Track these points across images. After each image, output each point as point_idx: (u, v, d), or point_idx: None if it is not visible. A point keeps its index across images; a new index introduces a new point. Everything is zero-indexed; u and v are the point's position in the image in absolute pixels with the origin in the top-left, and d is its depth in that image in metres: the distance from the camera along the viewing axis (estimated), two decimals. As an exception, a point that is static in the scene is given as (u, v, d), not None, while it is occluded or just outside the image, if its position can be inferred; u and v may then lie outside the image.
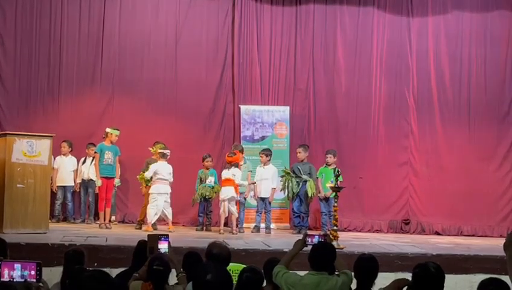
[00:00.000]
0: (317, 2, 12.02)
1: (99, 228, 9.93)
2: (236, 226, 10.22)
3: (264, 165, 10.71)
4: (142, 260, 4.58)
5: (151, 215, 9.88)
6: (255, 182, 10.65)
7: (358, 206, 11.72)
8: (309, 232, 6.85)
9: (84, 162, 10.96)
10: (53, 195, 10.28)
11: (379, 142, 11.96)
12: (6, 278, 3.07)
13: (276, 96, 11.91)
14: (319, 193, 10.72)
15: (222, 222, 10.14)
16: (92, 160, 10.47)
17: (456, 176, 11.80)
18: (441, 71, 12.08)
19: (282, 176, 10.74)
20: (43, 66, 11.30)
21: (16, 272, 3.08)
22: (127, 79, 11.51)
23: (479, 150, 11.90)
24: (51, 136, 8.86)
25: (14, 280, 3.09)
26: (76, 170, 11.03)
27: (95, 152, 10.17)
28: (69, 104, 11.38)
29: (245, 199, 10.66)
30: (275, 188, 10.70)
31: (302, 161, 10.87)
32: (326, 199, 10.57)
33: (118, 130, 10.13)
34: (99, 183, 9.99)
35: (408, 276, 4.16)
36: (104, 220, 10.01)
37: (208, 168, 10.45)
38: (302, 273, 4.47)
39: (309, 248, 4.57)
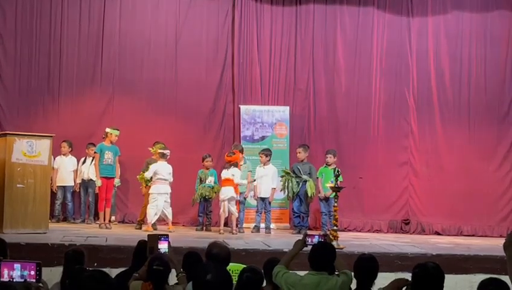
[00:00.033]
0: (317, 2, 12.02)
1: (99, 228, 9.93)
2: (236, 226, 10.22)
3: (263, 165, 10.71)
4: (142, 260, 4.58)
5: (151, 216, 9.88)
6: (255, 179, 10.65)
7: (358, 206, 11.72)
8: (309, 232, 6.86)
9: (84, 162, 10.96)
10: (53, 195, 10.28)
11: (379, 142, 11.95)
12: (6, 278, 3.06)
13: (276, 96, 11.91)
14: (319, 193, 10.72)
15: (222, 222, 10.14)
16: (92, 160, 10.47)
17: (456, 176, 11.80)
18: (441, 71, 12.08)
19: (282, 176, 10.74)
20: (43, 66, 11.30)
21: (16, 272, 3.08)
22: (127, 79, 11.51)
23: (479, 150, 11.90)
24: (51, 136, 8.86)
25: (14, 280, 3.09)
26: (76, 170, 11.03)
27: (95, 152, 10.17)
28: (69, 104, 11.38)
29: (245, 198, 10.66)
30: (274, 188, 10.70)
31: (302, 161, 10.87)
32: (326, 199, 10.57)
33: (118, 130, 10.14)
34: (99, 183, 9.99)
35: (408, 276, 4.16)
36: (104, 220, 10.01)
37: (207, 168, 10.45)
38: (302, 273, 4.47)
39: (309, 248, 4.57)
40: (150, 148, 10.43)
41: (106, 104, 11.43)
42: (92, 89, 11.47)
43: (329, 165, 10.72)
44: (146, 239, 4.81)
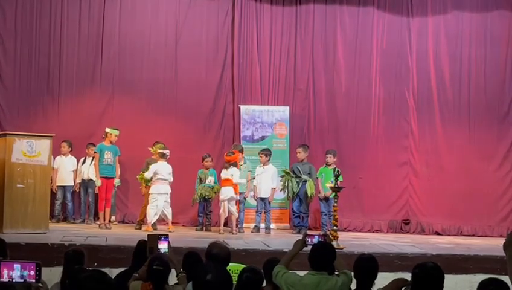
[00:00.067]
0: (317, 2, 12.02)
1: (99, 228, 9.93)
2: (236, 226, 10.22)
3: (263, 165, 10.71)
4: (142, 260, 4.58)
5: (151, 216, 9.88)
6: (254, 177, 10.64)
7: (358, 206, 11.72)
8: (309, 232, 6.85)
9: (84, 162, 10.96)
10: (53, 195, 10.28)
11: (379, 142, 11.95)
12: (5, 278, 3.06)
13: (276, 96, 11.91)
14: (319, 193, 10.72)
15: (222, 222, 10.13)
16: (92, 160, 10.47)
17: (456, 176, 11.80)
18: (440, 71, 12.08)
19: (282, 176, 10.74)
20: (43, 66, 11.30)
21: (15, 272, 3.08)
22: (126, 79, 11.51)
23: (479, 150, 11.89)
24: (51, 136, 8.86)
25: (14, 280, 3.08)
26: (76, 170, 11.03)
27: (95, 152, 10.17)
28: (69, 104, 11.38)
29: (245, 198, 10.66)
30: (274, 188, 10.70)
31: (302, 161, 10.87)
32: (326, 199, 10.57)
33: (118, 130, 10.14)
34: (99, 183, 9.99)
35: (408, 276, 4.16)
36: (104, 220, 10.01)
37: (207, 168, 10.45)
38: (302, 273, 4.47)
39: (309, 248, 4.57)
40: (150, 148, 10.43)
41: (106, 104, 11.44)
42: (91, 89, 11.47)
43: (329, 165, 10.72)
44: (146, 239, 4.81)
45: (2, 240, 4.79)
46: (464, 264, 8.09)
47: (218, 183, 10.35)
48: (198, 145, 11.31)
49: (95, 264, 6.76)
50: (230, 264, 4.80)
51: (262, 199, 10.64)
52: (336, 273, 4.52)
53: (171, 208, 10.07)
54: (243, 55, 11.81)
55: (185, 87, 11.64)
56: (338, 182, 8.77)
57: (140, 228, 10.16)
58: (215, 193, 10.27)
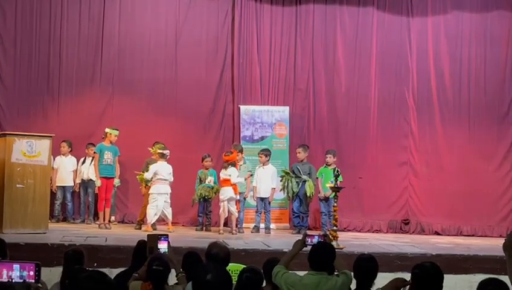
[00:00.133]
0: (317, 2, 12.02)
1: (98, 228, 9.93)
2: (236, 226, 10.21)
3: (263, 165, 10.71)
4: (142, 260, 4.58)
5: (151, 216, 9.88)
6: (252, 174, 10.63)
7: (357, 207, 11.72)
8: (309, 232, 6.84)
9: (83, 162, 10.96)
10: (53, 195, 10.28)
11: (379, 142, 11.95)
12: (4, 278, 3.06)
13: (275, 96, 11.90)
14: (319, 193, 10.72)
15: (222, 222, 10.13)
16: (92, 160, 10.47)
17: (456, 176, 11.80)
18: (440, 71, 12.08)
19: (282, 176, 10.73)
20: (43, 66, 11.30)
21: (15, 272, 3.07)
22: (126, 79, 11.51)
23: (479, 150, 11.89)
24: (51, 136, 8.86)
25: (13, 281, 3.08)
26: (76, 170, 11.03)
27: (95, 152, 10.17)
28: (69, 104, 11.38)
29: (245, 198, 10.65)
30: (274, 188, 10.70)
31: (301, 161, 10.87)
32: (326, 199, 10.57)
33: (117, 130, 10.14)
34: (98, 183, 9.99)
35: (407, 276, 4.16)
36: (104, 220, 10.01)
37: (207, 168, 10.45)
38: (301, 273, 4.47)
39: (309, 248, 4.57)
40: (150, 149, 10.42)
41: (106, 104, 11.44)
42: (91, 89, 11.47)
43: (329, 165, 10.72)
44: (146, 239, 4.81)
45: (2, 240, 4.78)
46: (463, 264, 8.10)
47: (218, 183, 10.34)
48: (198, 145, 11.31)
49: (95, 264, 6.77)
50: (230, 264, 4.81)
51: (262, 199, 10.64)
52: (336, 273, 4.52)
53: (171, 208, 10.06)
54: (243, 55, 11.81)
55: (184, 87, 11.64)
56: (338, 182, 8.78)
57: (140, 228, 10.16)
58: (214, 193, 10.27)
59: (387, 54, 12.08)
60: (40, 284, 3.17)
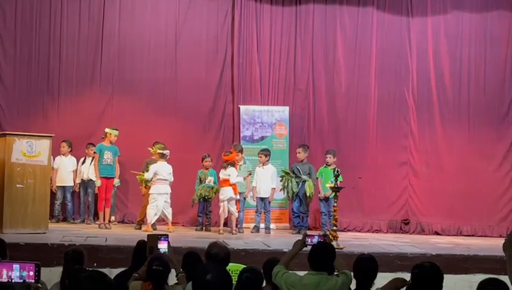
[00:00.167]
0: (317, 2, 12.02)
1: (98, 228, 9.93)
2: (236, 226, 10.21)
3: (263, 165, 10.71)
4: (142, 260, 4.58)
5: (151, 216, 9.88)
6: (250, 173, 10.62)
7: (357, 207, 11.72)
8: (308, 232, 6.86)
9: (83, 162, 10.96)
10: (53, 195, 10.27)
11: (379, 142, 11.95)
12: (4, 278, 3.06)
13: (275, 96, 11.90)
14: (319, 193, 10.72)
15: (222, 222, 10.13)
16: (92, 160, 10.47)
17: (455, 176, 11.80)
18: (440, 71, 12.08)
19: (281, 176, 10.73)
20: (43, 66, 11.30)
21: (15, 272, 3.07)
22: (126, 79, 11.51)
23: (479, 150, 11.89)
24: (51, 136, 8.86)
25: (13, 281, 3.08)
26: (76, 170, 11.03)
27: (95, 152, 10.17)
28: (69, 104, 11.38)
29: (245, 198, 10.65)
30: (274, 188, 10.70)
31: (301, 161, 10.87)
32: (326, 199, 10.57)
33: (117, 130, 10.14)
34: (98, 183, 9.99)
35: (407, 276, 4.16)
36: (104, 220, 10.01)
37: (207, 168, 10.45)
38: (301, 273, 4.47)
39: (309, 248, 4.57)
40: (150, 149, 10.42)
41: (106, 104, 11.44)
42: (91, 89, 11.47)
43: (329, 165, 10.72)
44: (146, 239, 4.81)
45: (2, 240, 4.78)
46: (463, 264, 8.10)
47: (217, 183, 10.34)
48: (198, 145, 11.31)
49: (95, 264, 6.77)
50: (230, 264, 4.81)
51: (262, 199, 10.64)
52: (336, 273, 4.52)
53: (171, 208, 10.06)
54: (243, 55, 11.81)
55: (184, 87, 11.64)
56: (338, 182, 8.78)
57: (140, 228, 10.15)
58: (214, 193, 10.27)
59: (387, 54, 12.08)
60: (40, 284, 3.17)
